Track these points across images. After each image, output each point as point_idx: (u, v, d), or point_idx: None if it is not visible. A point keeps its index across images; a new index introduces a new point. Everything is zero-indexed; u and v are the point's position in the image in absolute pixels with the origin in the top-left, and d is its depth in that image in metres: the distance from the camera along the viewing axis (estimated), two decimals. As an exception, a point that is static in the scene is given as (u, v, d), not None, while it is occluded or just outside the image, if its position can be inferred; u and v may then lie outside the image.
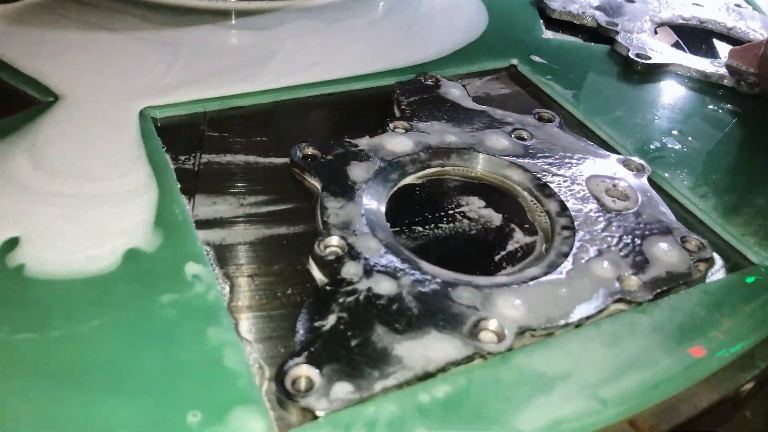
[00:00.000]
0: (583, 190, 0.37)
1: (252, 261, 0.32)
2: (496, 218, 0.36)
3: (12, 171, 0.35)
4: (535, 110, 0.44)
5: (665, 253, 0.33)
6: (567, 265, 0.32)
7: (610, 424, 0.25)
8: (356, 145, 0.39)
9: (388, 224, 0.35)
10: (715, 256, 0.35)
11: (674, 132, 0.44)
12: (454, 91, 0.46)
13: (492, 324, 0.28)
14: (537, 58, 0.51)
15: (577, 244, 0.33)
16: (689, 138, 0.44)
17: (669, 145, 0.43)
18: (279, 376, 0.25)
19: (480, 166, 0.39)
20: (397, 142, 0.40)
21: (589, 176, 0.38)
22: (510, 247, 0.35)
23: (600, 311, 0.30)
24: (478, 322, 0.28)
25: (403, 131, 0.41)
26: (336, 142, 0.39)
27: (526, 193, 0.38)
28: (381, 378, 0.26)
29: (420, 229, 0.35)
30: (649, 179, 0.39)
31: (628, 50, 0.54)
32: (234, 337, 0.27)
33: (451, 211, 0.36)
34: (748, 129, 0.47)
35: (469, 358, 0.27)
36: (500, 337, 0.28)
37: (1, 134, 0.37)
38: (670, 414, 0.27)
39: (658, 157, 0.41)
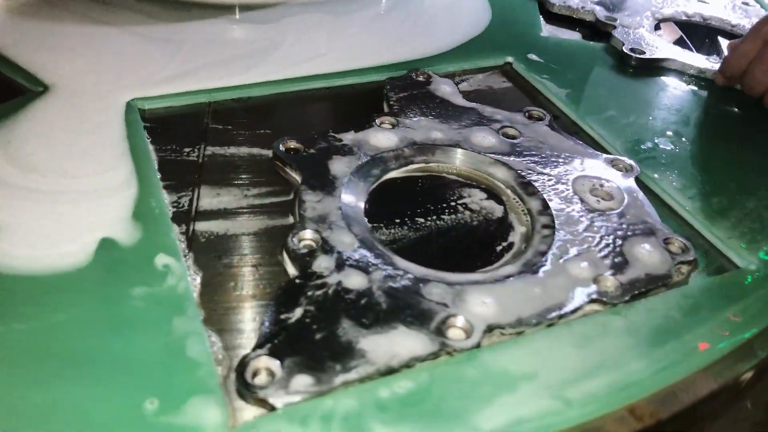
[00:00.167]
0: (568, 190, 0.37)
1: (235, 252, 0.32)
2: (476, 215, 0.36)
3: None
4: (525, 108, 0.44)
5: (646, 255, 0.32)
6: (543, 264, 0.31)
7: (573, 425, 0.25)
8: (340, 140, 0.39)
9: (366, 219, 0.34)
10: (700, 258, 0.34)
11: (667, 132, 0.43)
12: (445, 88, 0.46)
13: (459, 321, 0.28)
14: (533, 56, 0.51)
15: (556, 243, 0.33)
16: (682, 138, 0.43)
17: (661, 146, 0.42)
18: (239, 367, 0.25)
19: (464, 163, 0.39)
20: (382, 137, 0.40)
21: (575, 175, 0.38)
22: (489, 244, 0.34)
23: (573, 311, 0.29)
24: (446, 319, 0.28)
25: (390, 127, 0.41)
26: (320, 136, 0.39)
27: (509, 191, 0.37)
28: (342, 372, 0.26)
29: (399, 224, 0.35)
30: (638, 180, 0.39)
31: (623, 45, 0.53)
32: (199, 327, 0.27)
33: (431, 208, 0.36)
34: (743, 129, 0.46)
35: (434, 355, 0.27)
36: (468, 334, 0.28)
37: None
38: (669, 401, 0.27)
39: (648, 158, 0.40)
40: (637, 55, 0.52)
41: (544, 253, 0.32)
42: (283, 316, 0.28)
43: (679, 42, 0.60)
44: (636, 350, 0.28)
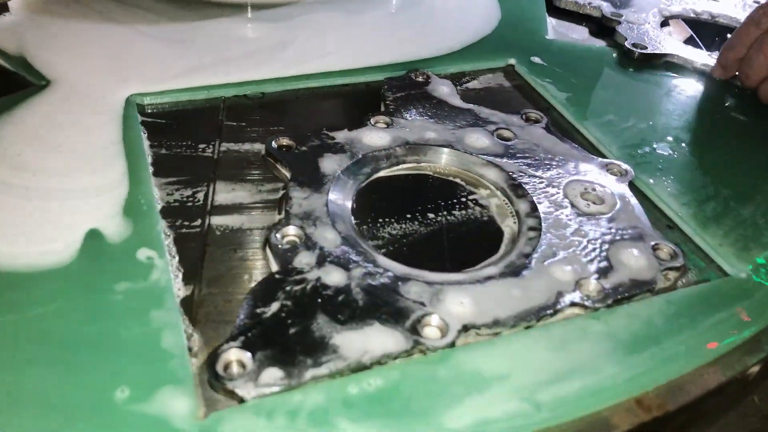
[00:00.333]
0: (558, 193, 0.36)
1: (249, 246, 0.33)
2: (464, 216, 0.36)
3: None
4: (523, 110, 0.43)
5: (633, 260, 0.32)
6: (526, 266, 0.31)
7: (541, 428, 0.25)
8: (333, 138, 0.39)
9: (353, 217, 0.35)
10: (690, 265, 0.34)
11: (666, 137, 0.43)
12: (443, 89, 0.46)
13: (435, 320, 0.28)
14: (537, 59, 0.50)
15: (541, 246, 0.33)
16: (681, 143, 0.42)
17: (658, 151, 0.41)
18: (210, 359, 0.26)
19: (455, 163, 0.39)
20: (375, 136, 0.40)
21: (567, 179, 0.37)
22: (475, 245, 0.34)
23: (552, 314, 0.29)
24: (422, 318, 0.28)
25: (384, 126, 0.41)
26: (313, 134, 0.39)
27: (498, 193, 0.37)
28: (313, 366, 0.26)
29: (386, 223, 0.35)
30: (632, 185, 0.38)
31: (626, 40, 0.54)
32: (176, 319, 0.28)
33: (419, 207, 0.36)
34: (744, 134, 0.45)
35: (407, 352, 0.27)
36: (443, 333, 0.28)
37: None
38: (677, 393, 0.27)
39: (644, 162, 0.40)
40: (639, 50, 0.53)
41: (528, 255, 0.32)
42: (259, 310, 0.28)
43: (690, 41, 0.60)
44: (612, 355, 0.28)
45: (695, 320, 0.29)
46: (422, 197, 0.37)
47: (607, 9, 0.60)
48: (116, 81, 0.44)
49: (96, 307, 0.28)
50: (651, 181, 0.39)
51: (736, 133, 0.45)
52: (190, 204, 0.35)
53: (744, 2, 0.64)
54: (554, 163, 0.39)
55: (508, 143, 0.40)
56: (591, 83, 0.49)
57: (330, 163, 0.37)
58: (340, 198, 0.35)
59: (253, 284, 0.30)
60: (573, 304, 0.30)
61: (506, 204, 0.37)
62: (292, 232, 0.32)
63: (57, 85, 0.43)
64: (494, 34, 0.55)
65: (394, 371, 0.26)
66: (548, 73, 0.49)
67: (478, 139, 0.40)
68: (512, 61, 0.50)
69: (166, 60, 0.47)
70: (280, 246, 0.31)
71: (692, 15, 0.63)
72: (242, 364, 0.26)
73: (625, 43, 0.54)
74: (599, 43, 0.57)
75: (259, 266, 0.32)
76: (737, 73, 0.49)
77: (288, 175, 0.36)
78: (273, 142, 0.38)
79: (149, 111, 0.42)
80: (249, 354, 0.26)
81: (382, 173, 0.38)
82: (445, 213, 0.36)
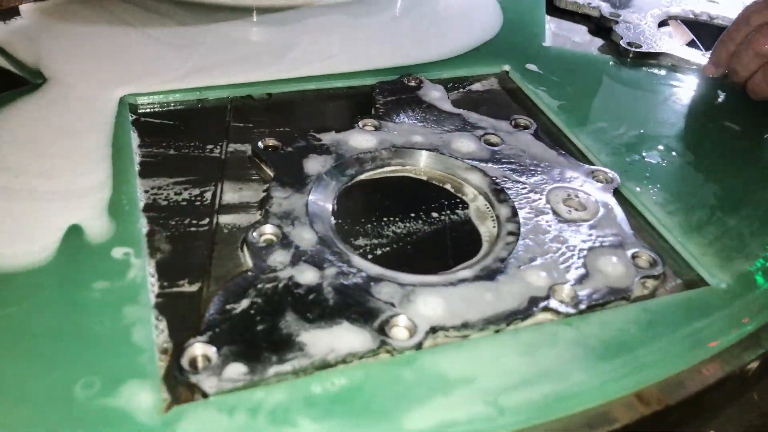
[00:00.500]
0: (540, 199, 0.36)
1: (234, 245, 0.33)
2: (445, 219, 0.36)
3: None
4: (512, 116, 0.43)
5: (610, 267, 0.32)
6: (501, 270, 0.31)
7: (503, 432, 0.25)
8: (319, 140, 0.39)
9: (332, 218, 0.35)
10: (671, 274, 0.33)
11: (657, 145, 0.42)
12: (434, 93, 0.46)
13: (402, 320, 0.28)
14: (532, 66, 0.50)
15: (517, 250, 0.32)
16: (672, 152, 0.42)
17: (647, 159, 0.41)
18: (176, 352, 0.26)
19: (439, 167, 0.39)
20: (362, 138, 0.40)
21: (551, 185, 0.37)
22: (454, 248, 0.34)
23: (523, 319, 0.29)
24: (391, 318, 0.28)
25: (372, 129, 0.41)
26: (300, 136, 0.40)
27: (481, 197, 0.37)
28: (277, 363, 0.26)
29: (366, 224, 0.35)
30: (618, 192, 0.38)
31: (622, 39, 0.55)
32: (148, 315, 0.28)
33: (400, 210, 0.36)
34: (736, 142, 0.44)
35: (372, 352, 0.27)
36: (410, 333, 0.28)
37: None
38: (676, 388, 0.27)
39: (632, 170, 0.40)
40: (634, 49, 0.54)
41: (503, 260, 0.32)
42: (229, 306, 0.28)
43: (691, 45, 0.60)
44: (582, 362, 0.27)
45: (670, 329, 0.29)
46: (404, 200, 0.37)
47: (606, 9, 0.61)
48: (113, 81, 0.44)
49: (71, 304, 0.28)
50: (638, 189, 0.38)
51: (728, 142, 0.44)
52: (198, 203, 0.35)
53: (743, 3, 0.64)
54: (539, 169, 0.39)
55: (495, 148, 0.40)
56: (585, 90, 0.48)
57: (314, 165, 0.37)
58: (321, 199, 0.35)
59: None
60: (545, 310, 0.29)
61: (488, 208, 0.36)
62: (269, 230, 0.32)
63: (52, 83, 0.44)
64: (493, 40, 0.55)
65: (360, 371, 0.26)
66: (542, 80, 0.49)
67: (465, 143, 0.40)
68: (506, 67, 0.50)
69: (170, 61, 0.48)
70: (256, 244, 0.31)
71: (691, 16, 0.64)
72: (207, 359, 0.26)
73: (621, 42, 0.55)
74: (597, 43, 0.58)
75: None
76: (727, 71, 0.50)
77: (272, 174, 0.37)
78: (259, 143, 0.39)
79: (142, 111, 0.43)
80: (214, 349, 0.26)
81: (365, 175, 0.38)
82: (426, 216, 0.36)
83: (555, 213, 0.35)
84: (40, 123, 0.40)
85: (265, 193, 0.35)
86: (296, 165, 0.37)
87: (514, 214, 0.35)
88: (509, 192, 0.36)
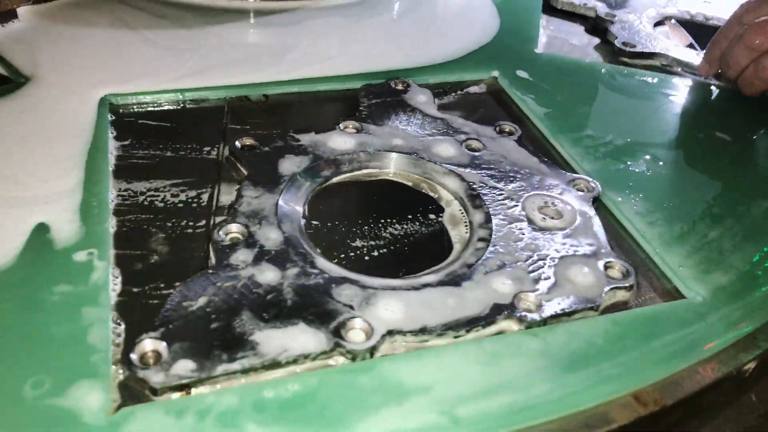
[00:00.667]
0: (516, 206, 0.35)
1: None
2: (417, 223, 0.35)
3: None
4: (497, 122, 0.43)
5: (580, 277, 0.31)
6: (467, 276, 0.30)
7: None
8: (298, 140, 0.39)
9: (302, 218, 0.34)
10: (647, 285, 0.32)
11: (644, 154, 0.41)
12: (420, 97, 0.45)
13: (359, 323, 0.27)
14: (522, 73, 0.50)
15: (486, 257, 0.32)
16: (658, 161, 0.41)
17: (632, 168, 0.40)
18: (127, 348, 0.26)
19: (415, 170, 0.38)
20: (341, 140, 0.39)
21: (529, 192, 0.36)
22: (424, 253, 0.33)
23: (484, 326, 0.28)
24: (347, 320, 0.27)
25: (353, 131, 0.41)
26: (278, 136, 0.39)
27: (455, 202, 0.36)
28: (227, 361, 0.25)
29: (336, 226, 0.35)
30: (600, 202, 0.37)
31: (616, 38, 0.56)
32: (106, 316, 0.27)
33: (373, 213, 0.36)
34: (724, 153, 0.43)
35: (325, 354, 0.26)
36: (366, 336, 0.27)
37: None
38: (674, 389, 0.27)
39: (615, 180, 0.39)
40: (629, 49, 0.54)
41: (471, 266, 0.31)
42: (185, 303, 0.28)
43: (690, 47, 0.59)
44: (545, 373, 0.27)
45: (639, 342, 0.28)
46: (379, 203, 0.37)
47: (602, 9, 0.62)
48: (95, 81, 0.44)
49: (30, 304, 0.28)
50: (619, 198, 0.37)
51: (716, 153, 0.43)
52: (195, 205, 0.35)
53: (737, 4, 0.63)
54: (519, 176, 0.38)
55: (476, 154, 0.39)
56: (573, 98, 0.48)
57: (289, 165, 0.37)
58: (292, 199, 0.35)
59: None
60: (508, 317, 0.29)
61: (462, 213, 0.36)
62: (234, 229, 0.32)
63: (35, 83, 0.43)
64: (489, 44, 0.55)
65: (315, 378, 0.26)
66: (530, 87, 0.48)
67: (446, 148, 0.40)
68: (495, 73, 0.50)
69: (167, 63, 0.48)
70: (221, 242, 0.31)
71: (687, 17, 0.64)
72: (158, 355, 0.25)
73: (616, 42, 0.55)
74: (593, 42, 0.59)
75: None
76: (720, 70, 0.50)
77: (246, 173, 0.36)
78: (237, 142, 0.38)
79: (126, 112, 0.42)
80: (165, 344, 0.26)
81: (339, 177, 0.38)
82: (399, 220, 0.35)
83: (529, 221, 0.34)
84: (16, 124, 0.39)
85: (236, 192, 0.35)
86: (271, 165, 0.37)
87: (488, 220, 0.34)
88: (485, 198, 0.36)
